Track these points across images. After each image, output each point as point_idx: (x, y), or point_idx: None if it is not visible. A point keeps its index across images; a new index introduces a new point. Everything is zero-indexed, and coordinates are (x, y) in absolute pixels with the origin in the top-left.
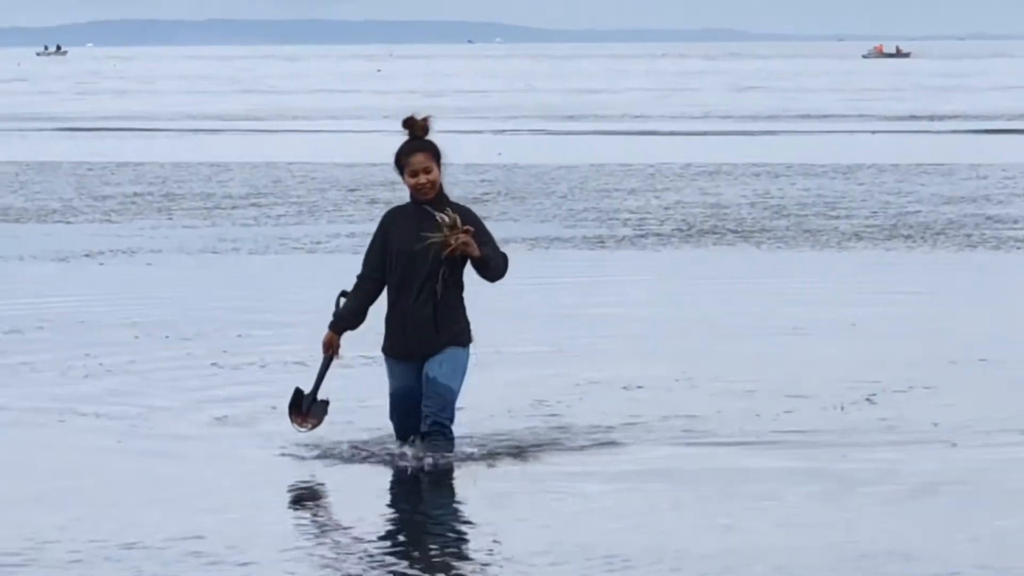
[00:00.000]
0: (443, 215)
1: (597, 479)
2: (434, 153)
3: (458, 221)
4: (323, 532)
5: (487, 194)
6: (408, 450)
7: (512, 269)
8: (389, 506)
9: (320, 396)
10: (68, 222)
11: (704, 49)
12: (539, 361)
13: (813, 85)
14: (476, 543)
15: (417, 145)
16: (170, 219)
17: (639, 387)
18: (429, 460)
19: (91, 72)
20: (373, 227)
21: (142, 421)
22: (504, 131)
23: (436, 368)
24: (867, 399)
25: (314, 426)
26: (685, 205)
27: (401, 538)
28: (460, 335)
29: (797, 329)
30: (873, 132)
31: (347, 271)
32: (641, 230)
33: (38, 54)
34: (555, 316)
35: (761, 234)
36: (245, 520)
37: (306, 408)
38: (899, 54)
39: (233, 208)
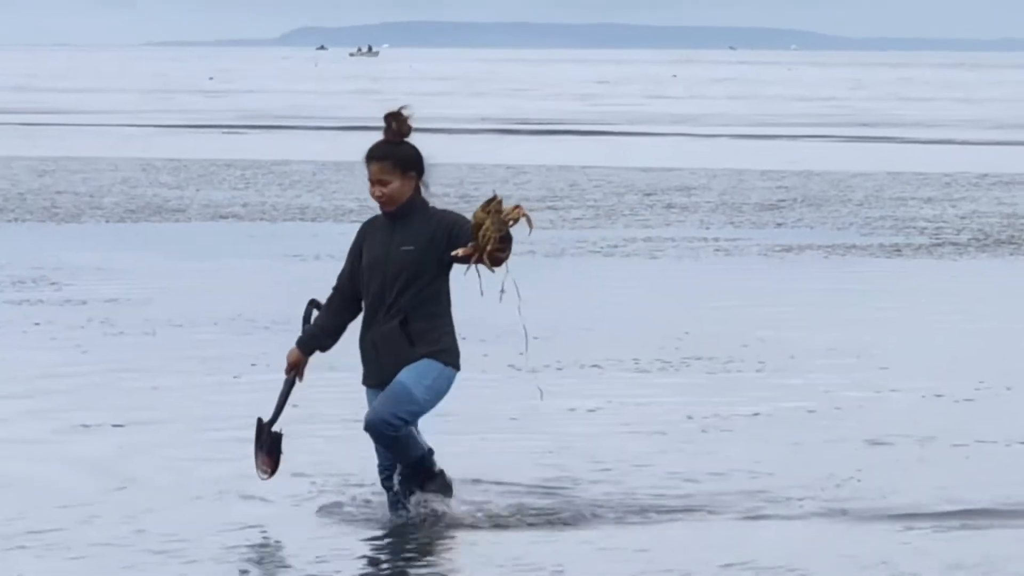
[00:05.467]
0: (460, 254)
1: None
2: (396, 161)
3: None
4: None
5: (783, 201)
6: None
7: (808, 276)
8: None
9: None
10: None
11: (997, 59)
12: (837, 368)
13: None
14: None
15: (378, 152)
16: None
17: (938, 396)
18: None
19: (400, 73)
20: (669, 232)
21: (439, 421)
22: (800, 137)
23: (403, 373)
24: None
25: (272, 471)
26: (981, 215)
27: None
28: (441, 353)
29: None
30: None
31: (644, 275)
32: (937, 239)
33: (351, 55)
34: (852, 324)
35: None
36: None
37: (263, 444)
38: None
39: (530, 210)
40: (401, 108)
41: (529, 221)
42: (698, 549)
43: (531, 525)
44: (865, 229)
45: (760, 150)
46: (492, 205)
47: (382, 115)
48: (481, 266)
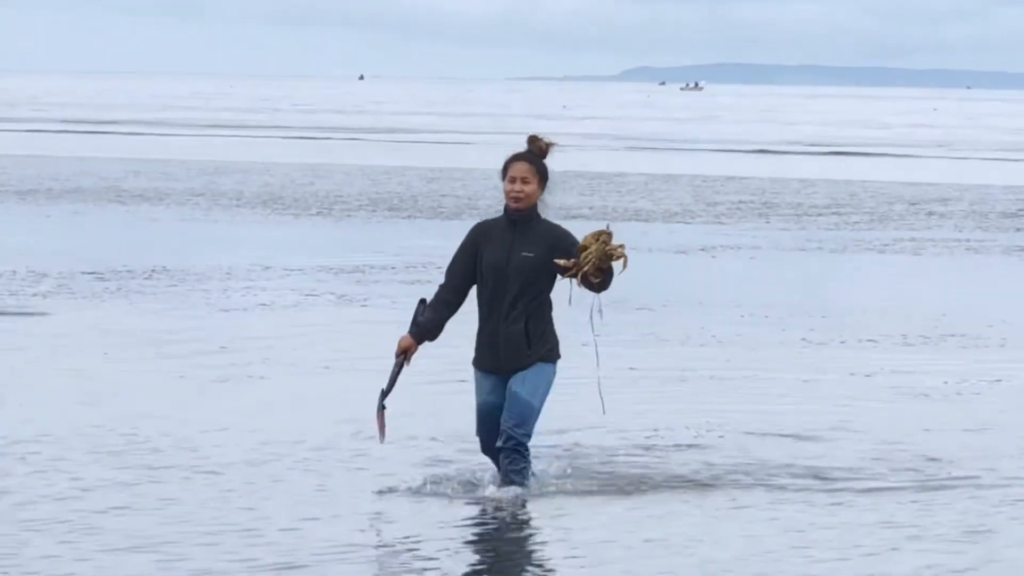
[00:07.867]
0: (561, 264)
1: None
2: (538, 169)
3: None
4: None
5: (1022, 211)
6: (490, 489)
7: None
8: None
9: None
10: (687, 223)
11: None
12: None
13: None
14: None
15: (525, 156)
16: (767, 223)
17: None
18: (509, 493)
19: (721, 104)
20: (929, 234)
21: (746, 383)
22: None
23: (519, 383)
24: None
25: (383, 438)
26: None
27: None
28: (551, 352)
29: None
30: None
31: (910, 268)
32: None
33: (681, 89)
34: None
35: None
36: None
37: (378, 414)
38: None
39: (818, 215)
40: (537, 134)
41: (625, 262)
42: None
43: (806, 478)
44: None
45: (1003, 170)
46: (602, 236)
47: (527, 136)
48: (573, 280)
